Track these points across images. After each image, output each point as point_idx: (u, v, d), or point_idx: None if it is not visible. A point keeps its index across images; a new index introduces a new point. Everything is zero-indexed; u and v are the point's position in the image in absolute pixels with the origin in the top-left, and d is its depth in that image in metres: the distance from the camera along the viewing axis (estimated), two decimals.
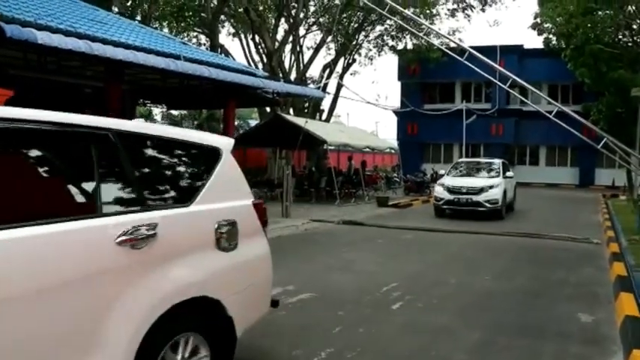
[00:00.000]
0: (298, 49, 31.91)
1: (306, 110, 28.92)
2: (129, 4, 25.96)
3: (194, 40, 30.61)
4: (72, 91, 14.09)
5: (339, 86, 32.15)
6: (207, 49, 22.96)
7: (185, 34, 30.03)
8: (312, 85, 30.69)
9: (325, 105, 32.27)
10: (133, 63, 10.08)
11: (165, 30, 27.50)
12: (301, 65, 31.74)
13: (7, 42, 8.04)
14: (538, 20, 34.62)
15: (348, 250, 11.46)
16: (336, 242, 12.38)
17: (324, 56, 48.21)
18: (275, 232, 12.73)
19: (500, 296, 7.69)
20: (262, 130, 22.93)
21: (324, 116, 32.14)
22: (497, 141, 39.29)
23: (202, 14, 27.60)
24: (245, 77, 13.27)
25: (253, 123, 29.60)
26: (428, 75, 38.67)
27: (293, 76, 30.80)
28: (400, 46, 35.33)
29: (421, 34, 26.60)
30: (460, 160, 22.52)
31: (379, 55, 36.17)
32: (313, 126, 20.16)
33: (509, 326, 6.31)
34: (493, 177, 18.00)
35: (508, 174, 18.62)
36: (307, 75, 32.73)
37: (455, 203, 17.37)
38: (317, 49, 31.59)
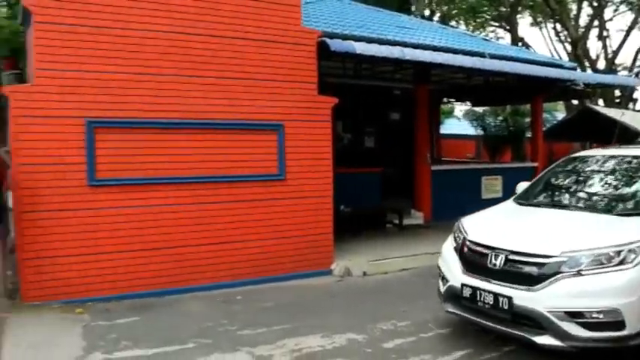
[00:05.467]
0: (605, 34, 29.34)
1: (617, 100, 26.44)
2: (426, 7, 26.58)
3: (491, 35, 30.10)
4: (383, 94, 14.91)
5: None
6: (506, 43, 22.41)
7: (482, 30, 29.68)
8: (623, 72, 27.91)
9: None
10: (442, 64, 10.23)
11: (462, 27, 27.50)
12: (609, 51, 29.12)
13: (330, 55, 8.78)
14: None
15: None
16: None
17: (638, 38, 43.52)
18: None
19: None
20: (570, 123, 21.55)
21: (638, 105, 29.10)
22: None
23: (500, 8, 27.03)
24: (552, 70, 12.53)
25: (559, 115, 27.94)
26: None
27: (601, 64, 28.45)
28: None
29: None
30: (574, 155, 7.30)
31: None
32: (628, 117, 18.28)
33: None
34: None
35: None
36: (617, 61, 29.89)
37: (469, 306, 5.05)
38: (627, 32, 28.59)
